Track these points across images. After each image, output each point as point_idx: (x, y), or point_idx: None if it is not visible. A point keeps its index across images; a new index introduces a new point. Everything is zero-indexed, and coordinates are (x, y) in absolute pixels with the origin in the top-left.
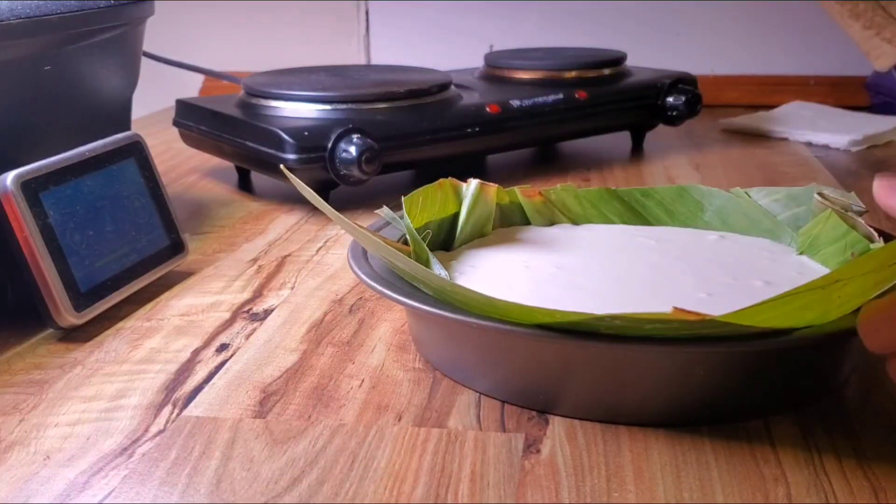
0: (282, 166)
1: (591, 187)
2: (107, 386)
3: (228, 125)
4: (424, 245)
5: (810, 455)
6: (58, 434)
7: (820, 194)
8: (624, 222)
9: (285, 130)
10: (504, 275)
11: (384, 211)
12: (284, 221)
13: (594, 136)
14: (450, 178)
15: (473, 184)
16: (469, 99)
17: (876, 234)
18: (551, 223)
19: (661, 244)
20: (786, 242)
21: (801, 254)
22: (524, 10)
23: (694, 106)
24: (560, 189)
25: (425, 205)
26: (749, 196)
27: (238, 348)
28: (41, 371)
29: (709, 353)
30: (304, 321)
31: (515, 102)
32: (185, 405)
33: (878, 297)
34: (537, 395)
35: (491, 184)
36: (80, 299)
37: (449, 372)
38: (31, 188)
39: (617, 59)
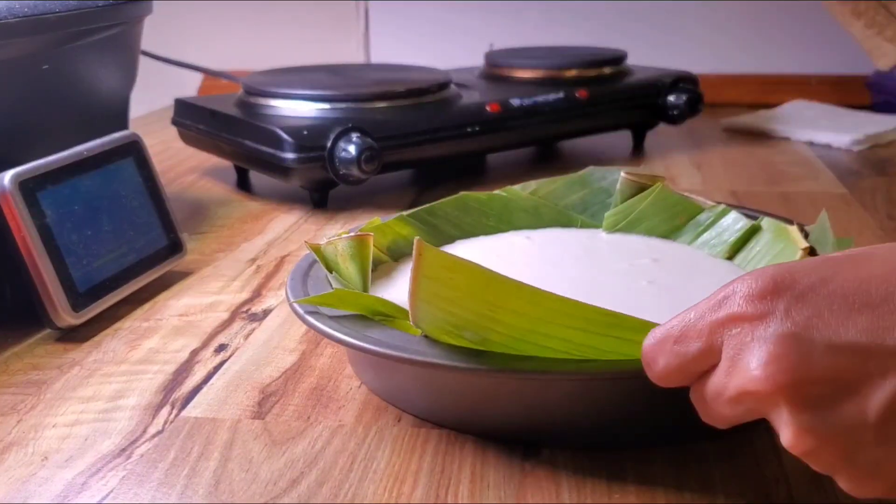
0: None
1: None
2: (105, 386)
3: (227, 124)
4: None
5: None
6: (56, 435)
7: (628, 173)
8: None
9: (284, 129)
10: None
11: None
12: (283, 221)
13: (595, 135)
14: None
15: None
16: (469, 98)
17: (708, 201)
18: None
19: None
20: (576, 225)
21: (613, 231)
22: (524, 8)
23: (695, 105)
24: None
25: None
26: (524, 192)
27: (237, 349)
28: (39, 371)
29: None
30: None
31: (516, 101)
32: (184, 406)
33: None
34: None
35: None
36: (78, 299)
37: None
38: (29, 188)
39: (617, 58)
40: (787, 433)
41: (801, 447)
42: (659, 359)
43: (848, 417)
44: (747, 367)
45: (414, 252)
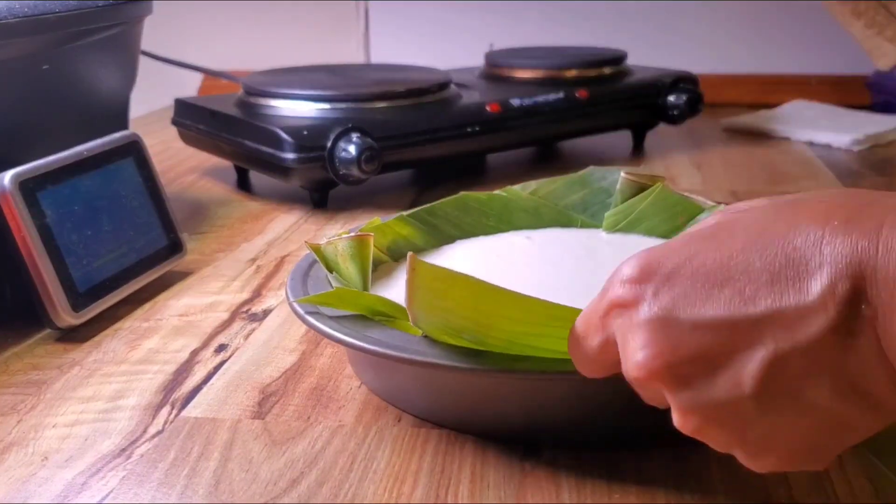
0: None
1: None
2: (105, 387)
3: (227, 124)
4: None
5: None
6: (56, 435)
7: (628, 173)
8: (424, 244)
9: (284, 129)
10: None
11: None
12: (283, 221)
13: (595, 135)
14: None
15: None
16: (469, 98)
17: (708, 201)
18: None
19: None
20: (576, 225)
21: (613, 231)
22: (524, 8)
23: (695, 105)
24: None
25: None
26: (524, 192)
27: (237, 349)
28: (39, 372)
29: None
30: None
31: (516, 101)
32: (184, 406)
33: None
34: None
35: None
36: (78, 299)
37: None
38: (29, 188)
39: (617, 58)
40: (674, 415)
41: (689, 426)
42: (577, 355)
43: (725, 392)
44: (630, 356)
45: (407, 266)
